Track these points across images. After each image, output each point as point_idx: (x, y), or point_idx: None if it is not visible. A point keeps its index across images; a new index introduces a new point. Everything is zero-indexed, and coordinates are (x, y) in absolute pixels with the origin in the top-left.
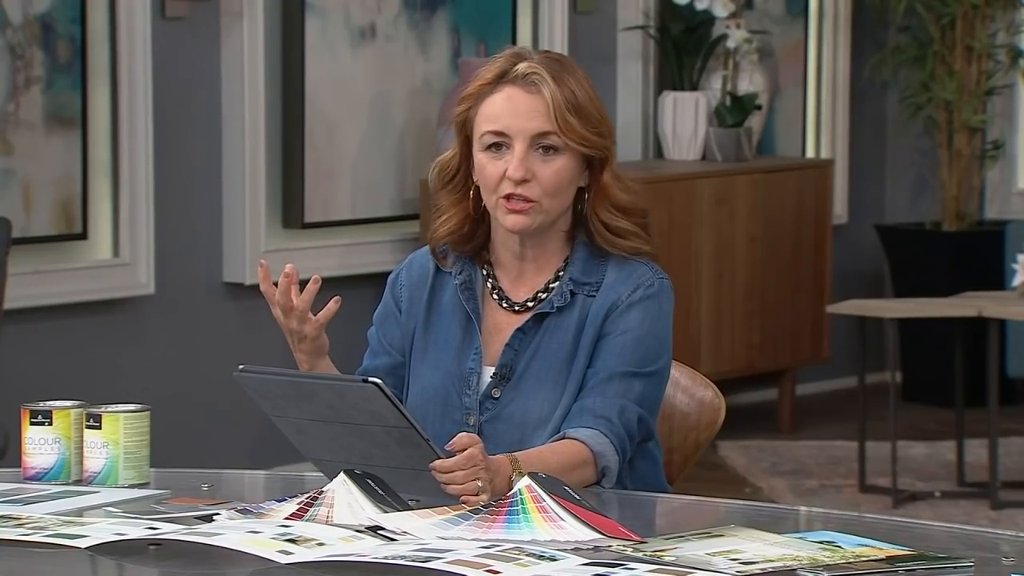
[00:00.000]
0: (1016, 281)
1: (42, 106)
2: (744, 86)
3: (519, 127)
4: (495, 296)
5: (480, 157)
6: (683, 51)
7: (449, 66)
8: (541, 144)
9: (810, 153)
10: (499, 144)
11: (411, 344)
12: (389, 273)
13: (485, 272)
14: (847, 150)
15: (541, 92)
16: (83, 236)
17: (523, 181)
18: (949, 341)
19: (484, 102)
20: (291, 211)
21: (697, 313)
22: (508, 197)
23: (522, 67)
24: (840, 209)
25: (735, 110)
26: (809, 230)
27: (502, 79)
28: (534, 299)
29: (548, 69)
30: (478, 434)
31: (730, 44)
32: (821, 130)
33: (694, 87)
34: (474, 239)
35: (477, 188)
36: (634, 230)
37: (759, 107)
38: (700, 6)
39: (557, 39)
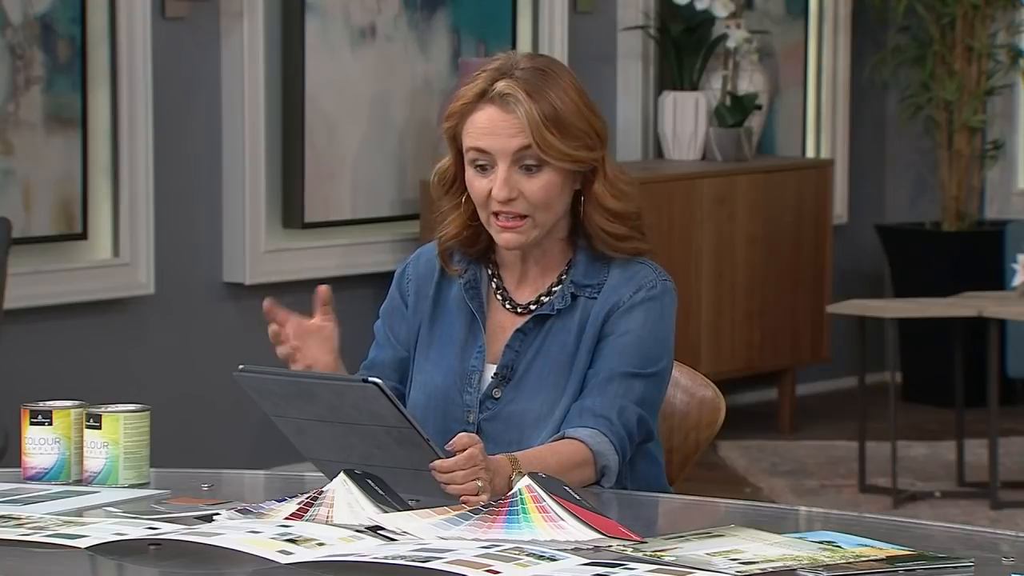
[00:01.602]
0: (1016, 281)
1: (42, 106)
2: (744, 86)
3: (500, 146)
4: (499, 296)
5: (469, 173)
6: (683, 51)
7: (449, 66)
8: (523, 162)
9: (810, 153)
10: (484, 163)
11: (416, 339)
12: (389, 273)
13: (491, 272)
14: (847, 150)
15: (516, 112)
16: (83, 236)
17: (509, 200)
18: (949, 341)
19: (468, 119)
20: (291, 211)
21: (697, 313)
22: (497, 214)
23: (500, 85)
24: (840, 209)
25: (735, 110)
26: (809, 230)
27: (482, 97)
28: (536, 301)
29: (526, 86)
30: (477, 432)
31: (730, 44)
32: (821, 130)
33: (694, 87)
34: (479, 242)
35: None
36: (630, 234)
37: (759, 107)
38: (700, 6)
39: (557, 39)
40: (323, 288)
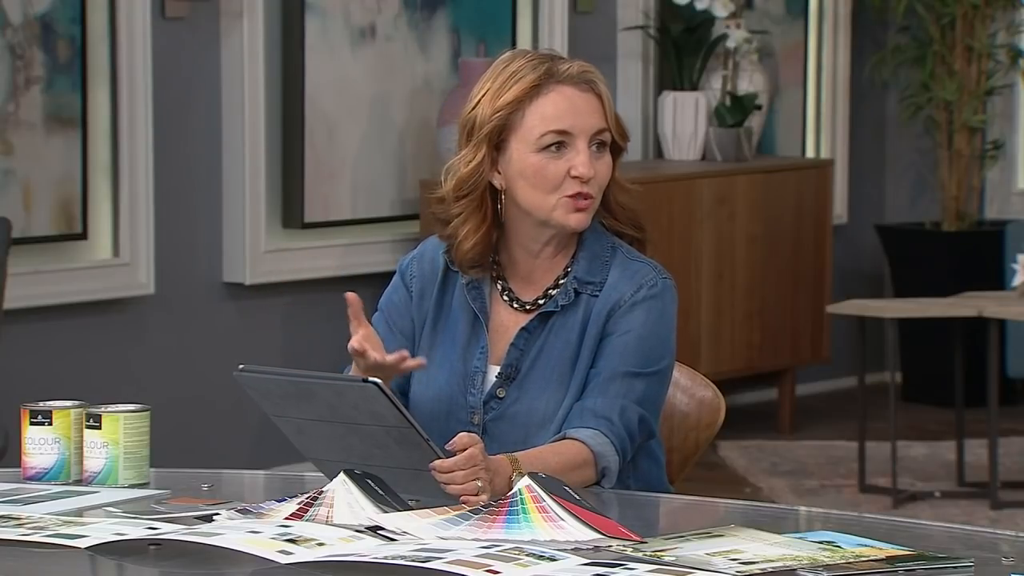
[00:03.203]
0: (1016, 281)
1: (42, 106)
2: (744, 86)
3: (582, 125)
4: (505, 297)
5: (536, 159)
6: (683, 51)
7: (449, 66)
8: (597, 142)
9: (810, 153)
10: (561, 143)
11: (419, 337)
12: (389, 273)
13: (494, 273)
14: (847, 150)
15: (595, 91)
16: (83, 236)
17: (590, 179)
18: (949, 341)
19: (534, 103)
20: (291, 211)
21: (697, 313)
22: (573, 196)
23: (574, 67)
24: (840, 209)
25: (735, 110)
26: (809, 230)
27: (550, 79)
28: (544, 295)
29: (597, 72)
30: (482, 433)
31: (730, 44)
32: (821, 130)
33: (694, 87)
34: (489, 253)
35: (497, 196)
36: (637, 208)
37: (759, 107)
38: (700, 6)
39: (557, 39)
40: (352, 296)
